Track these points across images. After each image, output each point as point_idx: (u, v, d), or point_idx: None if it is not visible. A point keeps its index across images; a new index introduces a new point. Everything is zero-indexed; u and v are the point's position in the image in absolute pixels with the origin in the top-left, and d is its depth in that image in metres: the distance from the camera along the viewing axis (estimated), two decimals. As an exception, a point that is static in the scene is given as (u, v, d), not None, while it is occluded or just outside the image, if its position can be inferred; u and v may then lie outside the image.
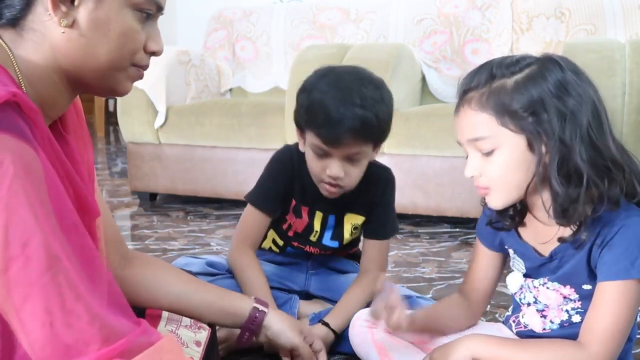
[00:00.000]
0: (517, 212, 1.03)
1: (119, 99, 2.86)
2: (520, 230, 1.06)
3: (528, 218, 1.04)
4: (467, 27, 2.89)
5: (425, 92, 2.91)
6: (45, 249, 0.69)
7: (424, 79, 2.90)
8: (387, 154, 2.37)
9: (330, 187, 1.31)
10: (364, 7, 3.13)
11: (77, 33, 0.79)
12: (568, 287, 1.00)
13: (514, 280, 1.09)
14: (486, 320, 1.24)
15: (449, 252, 2.15)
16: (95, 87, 0.85)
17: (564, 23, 2.72)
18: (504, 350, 0.98)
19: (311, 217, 1.45)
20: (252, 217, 1.44)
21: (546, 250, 1.01)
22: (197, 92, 3.00)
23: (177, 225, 2.55)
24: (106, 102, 5.79)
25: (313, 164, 1.31)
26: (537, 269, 1.04)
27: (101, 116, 5.68)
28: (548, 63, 0.95)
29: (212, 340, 1.06)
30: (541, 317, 1.04)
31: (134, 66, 0.86)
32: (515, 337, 1.09)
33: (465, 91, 0.98)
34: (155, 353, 0.75)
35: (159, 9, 0.86)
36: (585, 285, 0.98)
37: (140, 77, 0.89)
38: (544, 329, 1.04)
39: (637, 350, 1.37)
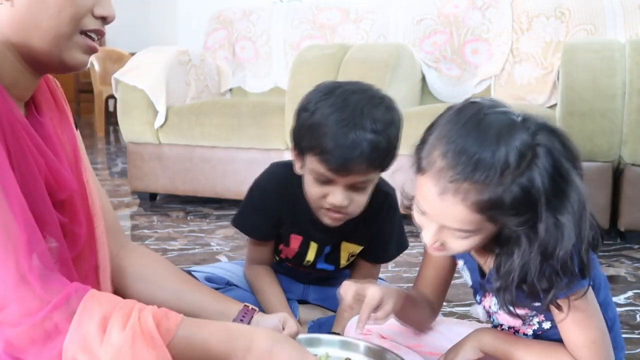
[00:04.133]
0: None
1: (119, 99, 2.86)
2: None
3: None
4: (467, 27, 2.89)
5: (425, 92, 2.91)
6: None
7: (424, 79, 2.90)
8: (387, 154, 2.37)
9: (332, 214, 1.19)
10: (364, 7, 3.13)
11: (16, 3, 0.80)
12: (520, 308, 0.96)
13: (479, 312, 1.09)
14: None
15: (449, 252, 2.14)
16: (47, 60, 0.85)
17: (564, 23, 2.72)
18: (512, 347, 0.98)
19: (304, 247, 1.33)
20: (252, 245, 1.38)
21: (488, 269, 0.99)
22: (197, 92, 3.00)
23: (177, 225, 2.55)
24: (106, 102, 5.78)
25: (313, 190, 1.17)
26: (481, 285, 1.02)
27: (101, 116, 5.68)
28: (542, 155, 0.82)
29: None
30: (514, 333, 1.04)
31: (82, 34, 0.85)
32: None
33: (461, 177, 0.81)
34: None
35: None
36: (535, 302, 0.94)
37: (91, 48, 0.87)
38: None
39: (637, 351, 1.37)
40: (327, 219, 1.20)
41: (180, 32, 5.84)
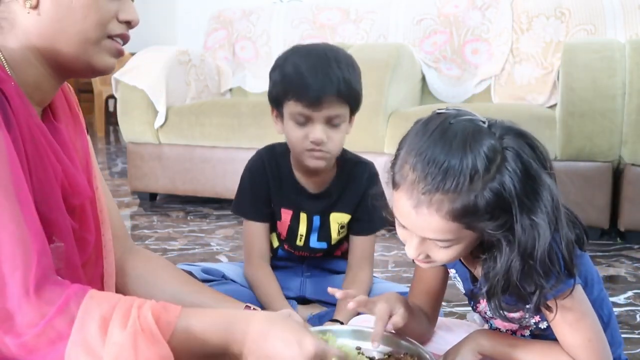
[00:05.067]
0: None
1: (119, 99, 2.86)
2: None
3: None
4: (467, 27, 2.89)
5: (425, 92, 2.91)
6: None
7: (424, 79, 2.90)
8: (387, 154, 2.38)
9: (315, 153, 1.29)
10: (364, 7, 3.13)
11: (42, 11, 0.82)
12: (516, 313, 0.97)
13: (475, 318, 1.08)
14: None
15: (449, 252, 2.14)
16: (74, 65, 0.87)
17: (564, 23, 2.72)
18: (511, 348, 0.98)
19: (295, 219, 1.42)
20: (249, 229, 1.43)
21: (479, 276, 0.98)
22: (197, 92, 3.00)
23: (177, 225, 2.55)
24: (106, 102, 5.79)
25: (294, 133, 1.29)
26: (473, 293, 1.03)
27: (101, 116, 5.68)
28: (511, 158, 0.82)
29: None
30: (512, 334, 1.05)
31: (109, 38, 0.87)
32: None
33: (432, 188, 0.82)
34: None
35: None
36: (528, 304, 0.95)
37: (119, 51, 0.89)
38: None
39: (637, 351, 1.37)
40: (311, 160, 1.30)
41: (180, 32, 5.84)
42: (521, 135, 0.84)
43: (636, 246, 2.23)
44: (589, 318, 0.92)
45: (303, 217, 1.41)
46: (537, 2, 2.79)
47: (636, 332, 1.48)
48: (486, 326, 1.13)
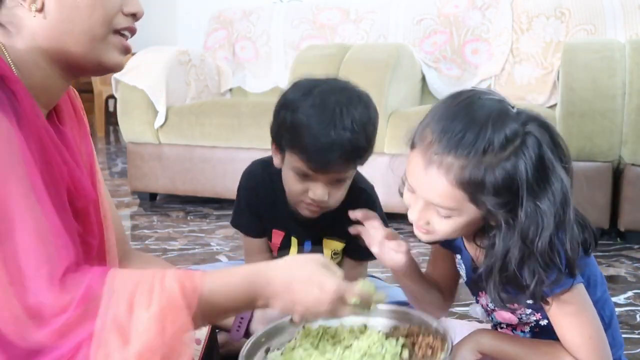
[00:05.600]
0: None
1: (119, 99, 2.86)
2: (464, 238, 1.03)
3: None
4: (467, 27, 2.89)
5: (425, 92, 2.91)
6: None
7: (424, 79, 2.90)
8: (387, 154, 2.37)
9: (312, 207, 1.23)
10: (364, 7, 3.13)
11: (48, 14, 0.83)
12: (515, 304, 0.97)
13: (478, 311, 1.08)
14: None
15: (449, 252, 2.15)
16: (83, 63, 0.87)
17: (564, 23, 2.72)
18: (511, 347, 0.98)
19: (286, 242, 1.37)
20: (249, 244, 1.41)
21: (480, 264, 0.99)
22: (197, 92, 3.00)
23: (177, 225, 2.55)
24: (106, 102, 5.79)
25: (293, 186, 1.22)
26: (474, 281, 1.02)
27: (101, 116, 5.68)
28: (531, 144, 0.84)
29: (212, 338, 1.06)
30: (512, 331, 1.05)
31: (116, 34, 0.88)
32: None
33: (446, 150, 0.85)
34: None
35: None
36: (528, 300, 0.95)
37: (126, 48, 0.90)
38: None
39: (637, 351, 1.37)
40: (306, 211, 1.26)
41: (180, 32, 5.84)
42: (545, 127, 0.86)
43: (636, 246, 2.23)
44: (590, 316, 0.92)
45: (294, 241, 1.37)
46: (537, 2, 2.79)
47: (636, 332, 1.48)
48: (489, 325, 1.13)
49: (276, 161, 1.27)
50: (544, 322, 0.99)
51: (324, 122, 1.14)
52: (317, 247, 1.37)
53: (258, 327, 1.10)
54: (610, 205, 2.25)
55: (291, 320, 0.92)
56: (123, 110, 2.85)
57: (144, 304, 0.75)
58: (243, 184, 1.39)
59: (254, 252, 1.40)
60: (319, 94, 1.18)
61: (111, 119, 5.95)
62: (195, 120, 2.75)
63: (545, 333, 0.99)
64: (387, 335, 0.95)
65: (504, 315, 1.01)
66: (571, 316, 0.91)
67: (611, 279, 1.89)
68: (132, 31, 0.91)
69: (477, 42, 2.88)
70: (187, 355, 0.75)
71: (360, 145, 1.17)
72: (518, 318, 1.00)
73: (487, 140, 0.83)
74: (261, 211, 1.35)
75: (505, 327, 1.05)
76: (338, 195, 1.24)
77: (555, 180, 0.84)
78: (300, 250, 1.37)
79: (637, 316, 1.58)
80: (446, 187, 0.85)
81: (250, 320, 1.17)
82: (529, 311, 0.98)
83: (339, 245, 1.37)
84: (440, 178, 0.85)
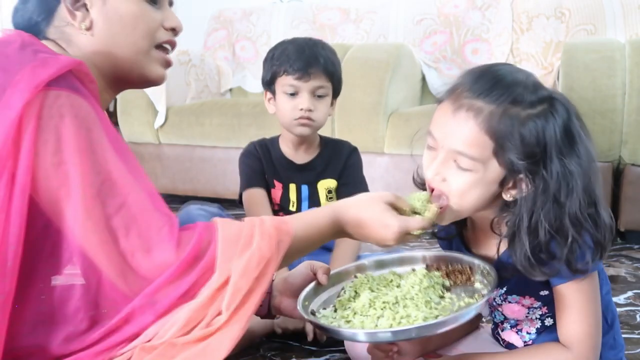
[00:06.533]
0: (457, 222, 0.99)
1: (119, 99, 2.87)
2: (467, 240, 1.04)
3: (471, 228, 1.02)
4: (467, 27, 2.89)
5: (425, 92, 2.91)
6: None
7: (424, 79, 2.90)
8: (387, 154, 2.38)
9: (302, 121, 1.50)
10: (364, 7, 3.13)
11: (96, 31, 0.91)
12: (527, 297, 0.98)
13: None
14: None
15: (449, 252, 2.14)
16: (129, 76, 0.95)
17: (564, 23, 2.72)
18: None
19: (286, 189, 1.61)
20: (251, 199, 1.58)
21: (491, 261, 0.98)
22: (197, 92, 3.00)
23: (177, 225, 2.55)
24: (106, 102, 5.79)
25: (285, 105, 1.52)
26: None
27: (101, 116, 5.67)
28: (560, 110, 0.87)
29: None
30: (517, 332, 1.04)
31: (158, 48, 0.97)
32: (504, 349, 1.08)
33: (477, 94, 0.86)
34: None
35: None
36: (542, 291, 0.96)
37: (167, 62, 1.00)
38: (525, 342, 1.03)
39: (637, 351, 1.37)
40: (299, 128, 1.53)
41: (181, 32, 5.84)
42: (571, 105, 0.89)
43: (636, 246, 2.23)
44: (594, 308, 0.92)
45: (292, 187, 1.60)
46: (537, 2, 2.79)
47: (636, 332, 1.48)
48: (489, 326, 1.13)
49: (270, 108, 1.59)
50: (549, 322, 0.99)
51: (301, 45, 1.52)
52: (313, 189, 1.60)
53: (281, 299, 1.15)
54: (610, 205, 2.25)
55: (318, 283, 1.05)
56: (123, 110, 2.86)
57: (247, 245, 0.87)
58: (242, 153, 1.66)
59: (256, 203, 1.58)
60: (292, 39, 1.58)
61: (111, 118, 5.90)
62: (195, 120, 2.75)
63: (549, 336, 0.99)
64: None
65: (513, 308, 1.00)
66: (577, 305, 0.91)
67: (611, 279, 1.89)
68: (173, 44, 1.00)
69: (477, 42, 2.88)
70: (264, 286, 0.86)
71: (331, 60, 1.53)
72: (527, 309, 0.99)
73: (517, 93, 0.85)
74: (261, 166, 1.61)
75: (509, 328, 1.05)
76: (321, 109, 1.52)
77: (582, 147, 0.86)
78: (299, 194, 1.61)
79: (637, 316, 1.58)
80: (473, 131, 0.85)
81: (271, 296, 1.16)
82: (537, 304, 0.98)
83: (332, 183, 1.61)
84: (468, 121, 0.85)
